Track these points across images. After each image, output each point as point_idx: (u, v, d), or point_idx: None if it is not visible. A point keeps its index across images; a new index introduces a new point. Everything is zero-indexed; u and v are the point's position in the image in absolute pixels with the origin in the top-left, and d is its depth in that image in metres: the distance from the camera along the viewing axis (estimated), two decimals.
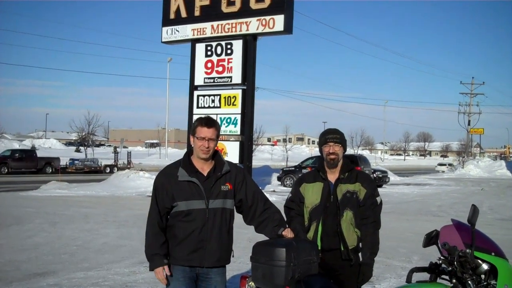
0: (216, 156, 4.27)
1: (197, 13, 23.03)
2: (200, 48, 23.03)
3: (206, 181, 4.13)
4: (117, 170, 37.77)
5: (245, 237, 10.42)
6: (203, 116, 4.36)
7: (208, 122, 4.19)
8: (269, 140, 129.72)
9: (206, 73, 22.80)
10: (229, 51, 22.28)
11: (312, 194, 4.61)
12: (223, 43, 22.45)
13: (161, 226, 4.15)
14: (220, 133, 4.38)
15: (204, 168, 4.19)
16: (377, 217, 4.56)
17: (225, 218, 4.17)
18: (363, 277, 4.44)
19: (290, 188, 4.93)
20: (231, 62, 22.22)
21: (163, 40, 24.22)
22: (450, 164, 70.09)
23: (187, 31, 23.35)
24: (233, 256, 4.33)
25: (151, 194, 4.31)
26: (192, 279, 4.15)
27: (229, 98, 22.29)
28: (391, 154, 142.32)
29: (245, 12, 21.82)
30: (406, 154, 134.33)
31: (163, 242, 4.13)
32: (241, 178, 4.28)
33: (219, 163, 4.24)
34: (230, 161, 4.42)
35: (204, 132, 4.13)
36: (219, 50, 22.53)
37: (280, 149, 79.25)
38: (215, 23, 22.59)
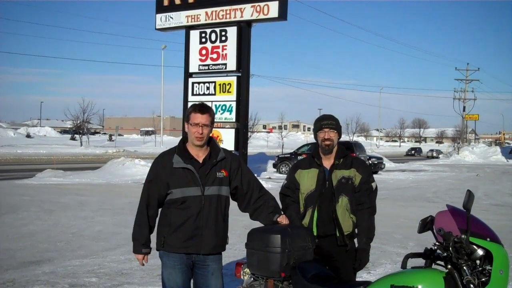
0: (211, 142, 4.24)
1: None
2: (195, 35, 22.92)
3: (202, 168, 4.11)
4: None
5: (240, 224, 10.44)
6: (197, 102, 4.34)
7: (202, 108, 4.16)
8: (264, 127, 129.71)
9: (200, 60, 22.72)
10: (223, 38, 22.19)
11: (307, 180, 4.59)
12: (217, 30, 22.35)
13: (150, 212, 4.19)
14: (216, 121, 4.38)
15: (199, 155, 4.17)
16: (372, 203, 4.56)
17: (220, 205, 4.15)
18: (359, 263, 4.44)
19: (286, 175, 4.92)
20: (225, 49, 22.14)
21: (157, 27, 24.08)
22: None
23: (181, 18, 23.22)
24: (227, 243, 4.32)
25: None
26: (188, 266, 4.14)
27: (224, 85, 22.23)
28: (387, 141, 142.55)
29: None
30: (401, 140, 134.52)
31: (145, 229, 4.19)
32: (237, 165, 4.27)
33: (214, 150, 4.22)
34: (225, 148, 4.41)
35: (198, 118, 4.10)
36: (213, 37, 22.43)
37: (276, 136, 79.18)
38: (209, 10, 22.48)
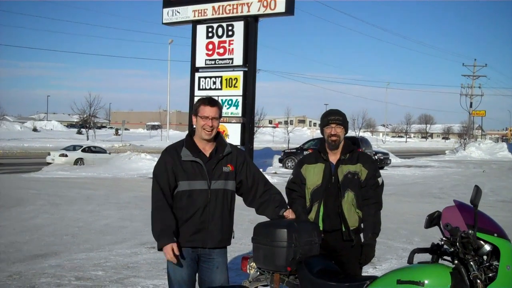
0: (218, 137, 4.24)
1: None
2: (201, 29, 22.91)
3: (208, 162, 4.11)
4: None
5: (246, 218, 10.45)
6: (204, 96, 4.34)
7: (211, 101, 4.17)
8: (270, 122, 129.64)
9: (207, 54, 22.71)
10: (230, 33, 22.16)
11: (314, 175, 4.58)
12: (224, 24, 22.32)
13: (166, 201, 4.05)
14: (222, 115, 4.34)
15: (206, 148, 4.17)
16: (379, 198, 4.55)
17: (226, 199, 4.16)
18: (365, 258, 4.44)
19: (292, 170, 4.91)
20: (232, 43, 22.12)
21: (164, 21, 24.09)
22: None
23: (188, 12, 23.21)
24: (233, 238, 4.33)
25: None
26: (194, 260, 4.15)
27: (230, 80, 22.22)
28: (393, 136, 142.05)
29: None
30: (407, 136, 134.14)
31: (169, 220, 3.99)
32: (242, 160, 4.27)
33: (221, 144, 4.22)
34: (231, 143, 4.40)
35: (207, 111, 4.11)
36: (220, 32, 22.40)
37: (282, 131, 79.06)
38: (216, 4, 22.47)
